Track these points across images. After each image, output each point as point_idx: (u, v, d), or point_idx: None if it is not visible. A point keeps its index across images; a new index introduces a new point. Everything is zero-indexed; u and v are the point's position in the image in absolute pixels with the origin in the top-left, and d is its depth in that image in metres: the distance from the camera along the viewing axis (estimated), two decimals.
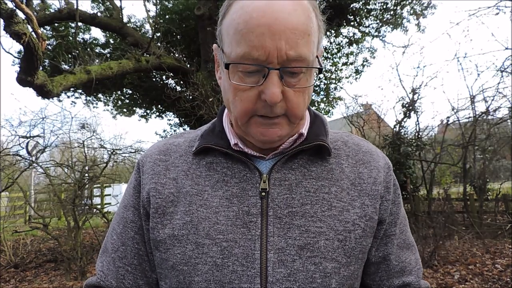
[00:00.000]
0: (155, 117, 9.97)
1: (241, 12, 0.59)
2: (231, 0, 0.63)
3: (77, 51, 5.37)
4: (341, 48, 9.29)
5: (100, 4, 8.21)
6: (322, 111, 9.76)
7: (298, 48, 0.59)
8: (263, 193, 0.67)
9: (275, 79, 0.59)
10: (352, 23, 8.44)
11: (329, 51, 9.24)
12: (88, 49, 7.59)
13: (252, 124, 0.64)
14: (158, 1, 7.84)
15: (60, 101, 8.74)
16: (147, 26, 8.48)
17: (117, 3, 7.08)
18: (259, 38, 0.57)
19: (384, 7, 8.26)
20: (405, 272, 0.78)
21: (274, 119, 0.62)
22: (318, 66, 0.64)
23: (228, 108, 0.68)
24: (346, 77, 9.83)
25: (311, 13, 0.63)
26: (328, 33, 8.35)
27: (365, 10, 8.20)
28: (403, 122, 6.21)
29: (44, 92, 4.14)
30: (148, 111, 9.81)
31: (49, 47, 7.16)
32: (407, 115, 6.19)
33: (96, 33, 14.93)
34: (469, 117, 6.39)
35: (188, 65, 7.30)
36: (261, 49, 0.57)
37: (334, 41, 9.16)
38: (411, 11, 8.73)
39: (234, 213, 0.66)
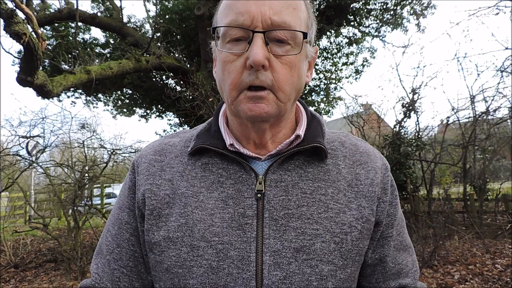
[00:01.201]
0: (155, 117, 9.98)
1: None
2: None
3: (77, 51, 5.37)
4: (341, 48, 9.28)
5: (100, 4, 8.21)
6: (322, 111, 9.76)
7: (282, 15, 0.61)
8: (259, 195, 0.66)
9: (260, 42, 0.60)
10: (352, 23, 8.44)
11: (329, 51, 9.23)
12: (88, 49, 7.59)
13: (241, 100, 0.64)
14: (158, 1, 7.84)
15: (60, 101, 8.75)
16: (147, 26, 8.48)
17: (117, 3, 7.07)
18: (244, 5, 0.61)
19: (384, 7, 8.25)
20: (402, 274, 0.77)
21: (260, 91, 0.62)
22: (304, 32, 0.63)
23: (221, 92, 0.68)
24: (346, 77, 9.83)
25: (300, 1, 0.66)
26: (328, 33, 8.34)
27: (365, 10, 8.20)
28: (403, 122, 6.21)
29: (44, 92, 4.13)
30: (148, 111, 9.80)
31: (49, 47, 7.15)
32: (407, 115, 6.18)
33: (96, 33, 14.96)
34: (469, 117, 6.38)
35: (188, 65, 7.29)
36: (246, 13, 0.60)
37: (334, 41, 9.15)
38: (411, 11, 8.72)
39: (229, 215, 0.65)
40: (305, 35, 0.64)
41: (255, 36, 0.60)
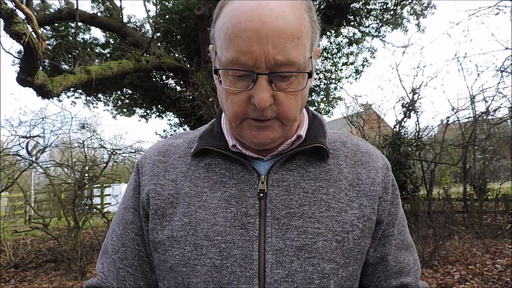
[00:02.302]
0: (155, 117, 9.99)
1: (230, 15, 0.59)
2: (224, 1, 0.63)
3: (77, 51, 5.37)
4: (341, 48, 9.30)
5: (100, 4, 8.21)
6: (322, 111, 9.77)
7: (286, 52, 0.58)
8: (261, 194, 0.67)
9: (264, 84, 0.59)
10: (352, 23, 8.44)
11: (329, 51, 9.24)
12: (88, 49, 7.59)
13: (245, 126, 0.64)
14: (158, 1, 7.84)
15: (60, 101, 8.76)
16: (147, 26, 8.49)
17: (117, 3, 7.08)
18: (246, 43, 0.57)
19: (384, 7, 8.26)
20: (403, 273, 0.77)
21: (265, 122, 0.63)
22: (308, 71, 0.63)
23: (223, 110, 0.69)
24: (346, 77, 9.84)
25: (304, 13, 0.62)
26: (328, 33, 8.35)
27: (365, 10, 8.20)
28: (403, 122, 6.22)
29: (44, 92, 4.14)
30: (148, 111, 9.81)
31: (49, 47, 7.16)
32: (407, 115, 6.19)
33: (96, 33, 14.95)
34: (469, 117, 6.39)
35: (188, 65, 7.30)
36: (249, 54, 0.57)
37: (334, 41, 9.16)
38: (411, 11, 8.73)
39: (232, 214, 0.66)
40: (310, 74, 0.63)
41: (259, 77, 0.59)
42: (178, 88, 7.95)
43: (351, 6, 7.57)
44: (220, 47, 0.61)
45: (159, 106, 9.23)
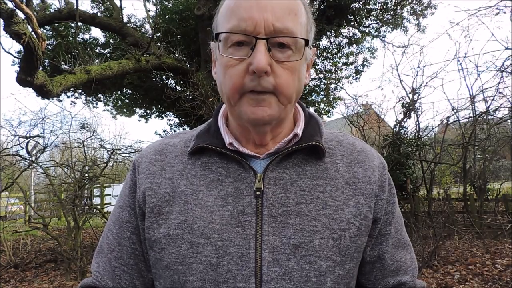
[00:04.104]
0: (155, 117, 9.99)
1: None
2: None
3: (77, 51, 5.37)
4: (341, 48, 9.29)
5: (100, 4, 8.22)
6: (322, 111, 9.76)
7: (284, 21, 0.62)
8: (258, 192, 0.67)
9: (263, 49, 0.61)
10: (352, 23, 8.44)
11: (329, 51, 9.24)
12: (88, 49, 7.59)
13: (243, 102, 0.65)
14: (158, 1, 7.85)
15: (60, 101, 8.75)
16: (147, 26, 8.49)
17: (117, 3, 7.08)
18: (247, 10, 0.61)
19: (384, 7, 8.26)
20: (400, 272, 0.78)
21: (262, 94, 0.63)
22: (305, 39, 0.65)
23: (221, 94, 0.69)
24: (346, 77, 9.83)
25: (299, 4, 0.66)
26: (328, 33, 8.35)
27: (365, 10, 8.20)
28: (403, 122, 6.22)
29: (44, 92, 4.14)
30: (148, 111, 9.81)
31: (49, 47, 7.16)
32: (407, 115, 6.19)
33: (96, 33, 14.98)
34: (469, 117, 6.39)
35: (188, 65, 7.30)
36: (249, 20, 0.61)
37: (334, 41, 9.15)
38: (411, 11, 8.74)
39: (229, 213, 0.66)
40: (306, 42, 0.65)
41: (258, 42, 0.61)
42: (178, 88, 7.96)
43: (351, 6, 7.58)
44: (222, 23, 0.65)
45: (159, 106, 9.24)
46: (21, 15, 3.25)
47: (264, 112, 0.64)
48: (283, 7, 0.62)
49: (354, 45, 9.25)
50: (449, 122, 6.42)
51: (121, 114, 9.94)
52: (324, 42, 8.96)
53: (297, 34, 0.63)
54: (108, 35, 8.41)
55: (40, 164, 5.50)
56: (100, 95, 9.23)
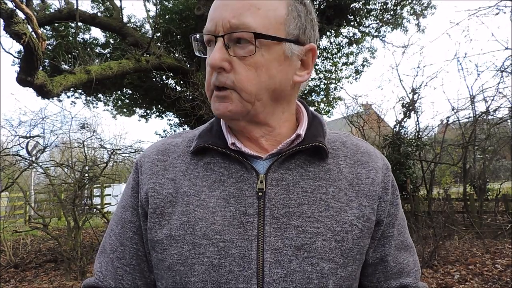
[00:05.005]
0: (155, 117, 9.99)
1: None
2: None
3: (77, 51, 5.37)
4: (341, 48, 9.30)
5: (100, 4, 8.22)
6: (322, 111, 9.77)
7: (241, 17, 0.62)
8: (260, 193, 0.66)
9: (219, 46, 0.63)
10: (352, 23, 8.45)
11: (329, 51, 9.25)
12: (88, 49, 7.60)
13: (213, 99, 0.68)
14: (158, 1, 7.84)
15: (60, 101, 8.75)
16: (147, 26, 8.49)
17: (117, 3, 7.08)
18: (213, 11, 0.66)
19: (384, 7, 8.26)
20: (403, 274, 0.77)
21: (222, 91, 0.65)
22: (265, 34, 0.62)
23: None
24: (346, 77, 9.84)
25: (273, 1, 0.65)
26: (328, 33, 8.35)
27: (365, 10, 8.21)
28: (403, 122, 6.22)
29: (44, 92, 4.14)
30: (148, 111, 9.82)
31: (49, 47, 7.16)
32: (407, 115, 6.19)
33: (96, 33, 14.93)
34: (469, 117, 6.39)
35: (188, 65, 7.30)
36: (212, 20, 0.65)
37: (334, 41, 9.16)
38: (411, 11, 8.74)
39: (231, 213, 0.66)
40: (277, 38, 0.63)
41: (217, 40, 0.64)
42: (178, 88, 7.96)
43: (351, 6, 7.58)
44: None
45: (159, 106, 9.24)
46: (21, 15, 3.25)
47: (225, 108, 0.65)
48: (244, 3, 0.63)
49: (354, 45, 9.25)
50: (449, 122, 6.43)
51: (121, 114, 9.94)
52: (324, 42, 8.97)
53: (256, 29, 0.62)
54: (108, 35, 8.41)
55: (40, 164, 5.50)
56: (100, 95, 9.23)
